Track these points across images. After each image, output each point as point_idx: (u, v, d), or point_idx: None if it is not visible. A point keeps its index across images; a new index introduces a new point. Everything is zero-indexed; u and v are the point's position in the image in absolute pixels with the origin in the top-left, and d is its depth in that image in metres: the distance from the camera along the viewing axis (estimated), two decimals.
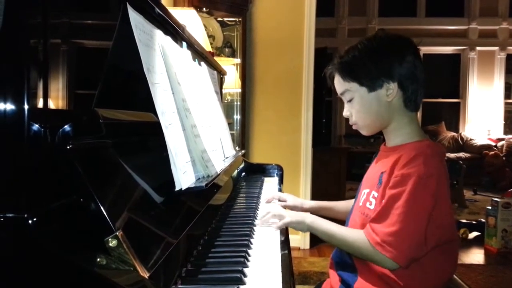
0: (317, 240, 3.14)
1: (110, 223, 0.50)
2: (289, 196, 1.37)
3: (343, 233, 0.98)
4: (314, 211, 1.33)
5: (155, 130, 0.72)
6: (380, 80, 0.95)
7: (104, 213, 0.51)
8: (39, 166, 0.48)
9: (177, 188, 0.74)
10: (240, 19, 2.98)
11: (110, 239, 0.49)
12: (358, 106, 0.99)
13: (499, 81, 6.97)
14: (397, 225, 0.87)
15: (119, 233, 0.49)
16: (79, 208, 0.51)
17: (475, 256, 3.06)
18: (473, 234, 3.48)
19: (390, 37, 0.99)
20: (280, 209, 1.14)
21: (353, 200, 1.27)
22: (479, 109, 6.96)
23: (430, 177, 0.88)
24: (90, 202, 0.51)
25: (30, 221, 0.44)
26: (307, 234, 3.10)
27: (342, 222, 1.13)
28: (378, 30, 1.02)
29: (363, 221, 0.98)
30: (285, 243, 0.94)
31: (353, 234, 0.96)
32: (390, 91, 0.95)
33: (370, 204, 0.98)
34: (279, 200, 1.34)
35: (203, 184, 0.81)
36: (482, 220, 3.36)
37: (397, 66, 0.94)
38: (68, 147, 0.51)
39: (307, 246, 3.12)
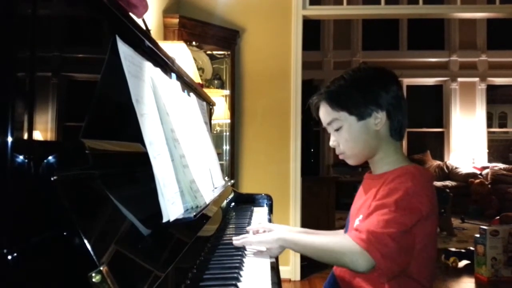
0: (308, 272, 3.09)
1: (94, 257, 0.49)
2: (275, 225, 1.32)
3: (323, 242, 0.93)
4: None
5: (143, 160, 0.71)
6: (368, 109, 0.97)
7: (88, 247, 0.49)
8: (22, 198, 0.47)
9: (164, 220, 0.72)
10: (229, 52, 3.04)
11: (93, 275, 0.47)
12: (347, 135, 0.99)
13: (481, 110, 7.17)
14: (383, 229, 0.85)
15: (103, 268, 0.48)
16: (62, 242, 0.49)
17: (466, 286, 3.03)
18: (463, 263, 3.47)
19: (373, 68, 1.03)
20: (255, 236, 1.07)
21: (341, 231, 1.26)
22: (463, 138, 7.11)
23: (418, 192, 0.89)
24: (74, 236, 0.49)
25: (10, 257, 0.42)
26: (298, 265, 3.04)
27: None
28: (361, 63, 1.06)
29: None
30: (275, 275, 0.91)
31: (335, 239, 0.93)
32: (378, 120, 0.97)
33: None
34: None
35: (192, 215, 0.79)
36: (471, 248, 3.35)
37: (384, 95, 0.96)
38: (52, 179, 0.50)
39: (298, 278, 3.06)
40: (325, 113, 1.02)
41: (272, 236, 0.99)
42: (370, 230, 0.86)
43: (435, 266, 0.97)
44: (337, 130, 1.00)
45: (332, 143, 1.03)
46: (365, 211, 0.98)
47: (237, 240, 1.04)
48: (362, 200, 1.04)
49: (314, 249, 0.93)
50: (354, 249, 0.85)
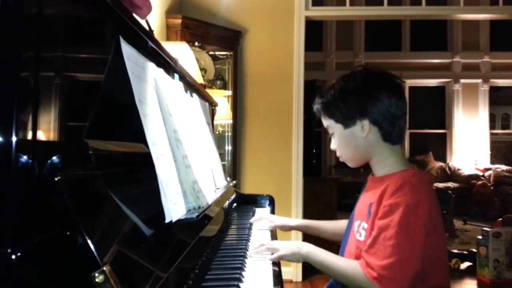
0: (310, 273, 3.08)
1: (97, 257, 0.49)
2: (276, 217, 1.41)
3: (339, 265, 0.96)
4: (301, 229, 1.37)
5: (146, 161, 0.71)
6: (353, 118, 0.99)
7: (92, 247, 0.49)
8: (26, 198, 0.47)
9: (167, 220, 0.72)
10: (231, 53, 3.04)
11: (96, 275, 0.47)
12: (338, 141, 1.04)
13: (484, 112, 7.15)
14: (392, 257, 0.86)
15: (106, 268, 0.48)
16: (65, 242, 0.49)
17: None
18: (465, 265, 3.45)
19: (365, 76, 1.01)
20: (274, 242, 1.12)
21: (341, 221, 1.29)
22: (466, 139, 7.09)
23: (419, 204, 0.89)
24: (77, 236, 0.49)
25: (13, 256, 0.43)
26: (300, 266, 3.04)
27: (329, 243, 1.15)
28: (357, 67, 1.04)
29: (356, 253, 0.98)
30: (277, 276, 0.91)
31: (349, 267, 0.94)
32: (365, 127, 0.98)
33: (360, 236, 0.99)
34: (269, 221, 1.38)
35: (194, 215, 0.79)
36: (474, 250, 3.34)
37: (369, 105, 0.97)
38: (56, 179, 0.50)
39: (300, 278, 3.05)
40: (322, 119, 1.08)
41: (298, 251, 1.02)
42: (380, 265, 0.87)
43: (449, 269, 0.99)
44: (332, 135, 1.06)
45: (332, 146, 1.08)
46: (364, 217, 0.99)
47: (255, 250, 1.07)
48: (362, 203, 1.05)
49: (332, 273, 0.97)
50: (369, 285, 0.88)
